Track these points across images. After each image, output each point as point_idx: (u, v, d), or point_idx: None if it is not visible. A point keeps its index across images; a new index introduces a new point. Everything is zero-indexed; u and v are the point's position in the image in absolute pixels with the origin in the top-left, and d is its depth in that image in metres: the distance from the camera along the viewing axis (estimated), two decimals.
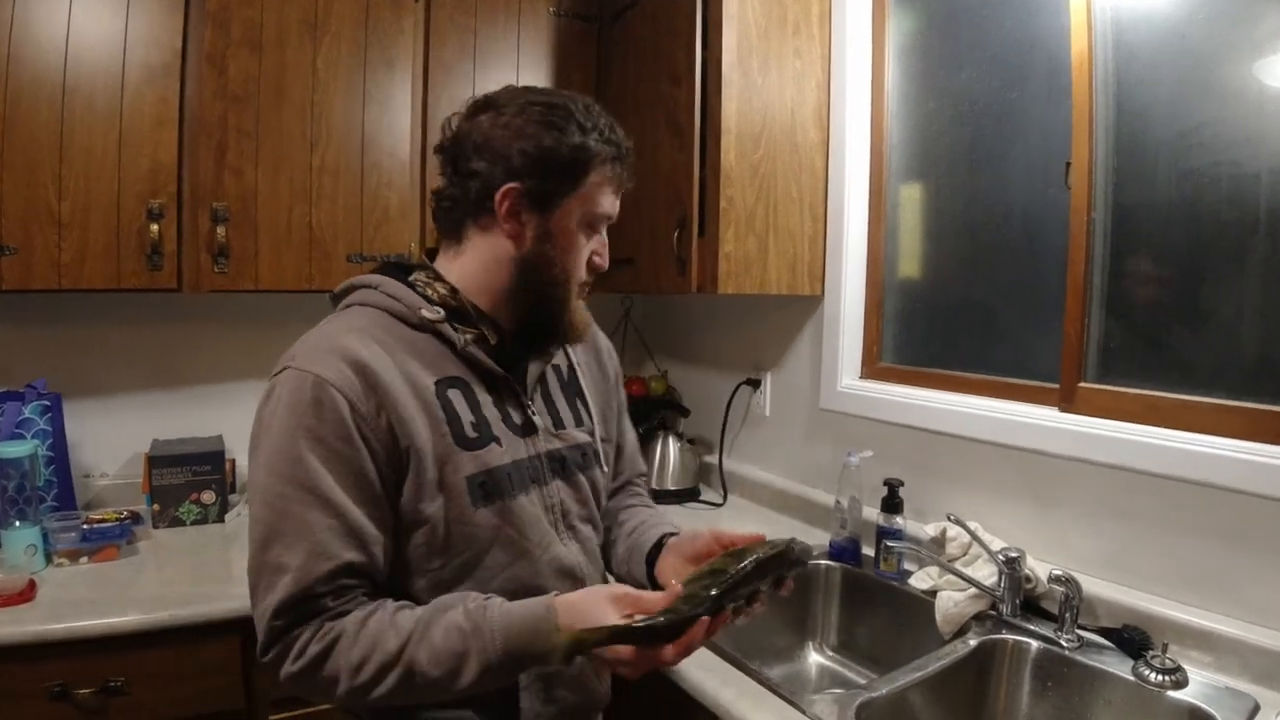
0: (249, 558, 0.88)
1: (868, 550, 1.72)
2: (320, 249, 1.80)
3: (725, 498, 2.15)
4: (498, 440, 0.97)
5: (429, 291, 0.98)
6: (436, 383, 0.94)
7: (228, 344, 2.08)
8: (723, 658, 1.29)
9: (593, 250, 1.02)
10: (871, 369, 1.90)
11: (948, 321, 1.79)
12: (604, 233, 1.04)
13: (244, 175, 1.72)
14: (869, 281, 1.89)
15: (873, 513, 1.75)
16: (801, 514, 1.98)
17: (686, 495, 2.17)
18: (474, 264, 0.99)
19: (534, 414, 1.03)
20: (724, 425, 2.20)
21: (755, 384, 2.14)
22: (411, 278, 1.00)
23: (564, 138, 0.94)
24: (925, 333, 1.83)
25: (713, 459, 2.27)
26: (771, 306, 2.10)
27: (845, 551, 1.71)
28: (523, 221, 0.96)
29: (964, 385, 1.70)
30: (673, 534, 1.13)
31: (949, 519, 1.50)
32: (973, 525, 1.46)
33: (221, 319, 2.06)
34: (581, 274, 1.02)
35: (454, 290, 0.99)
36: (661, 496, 2.14)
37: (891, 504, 1.64)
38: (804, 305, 1.98)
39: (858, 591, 1.67)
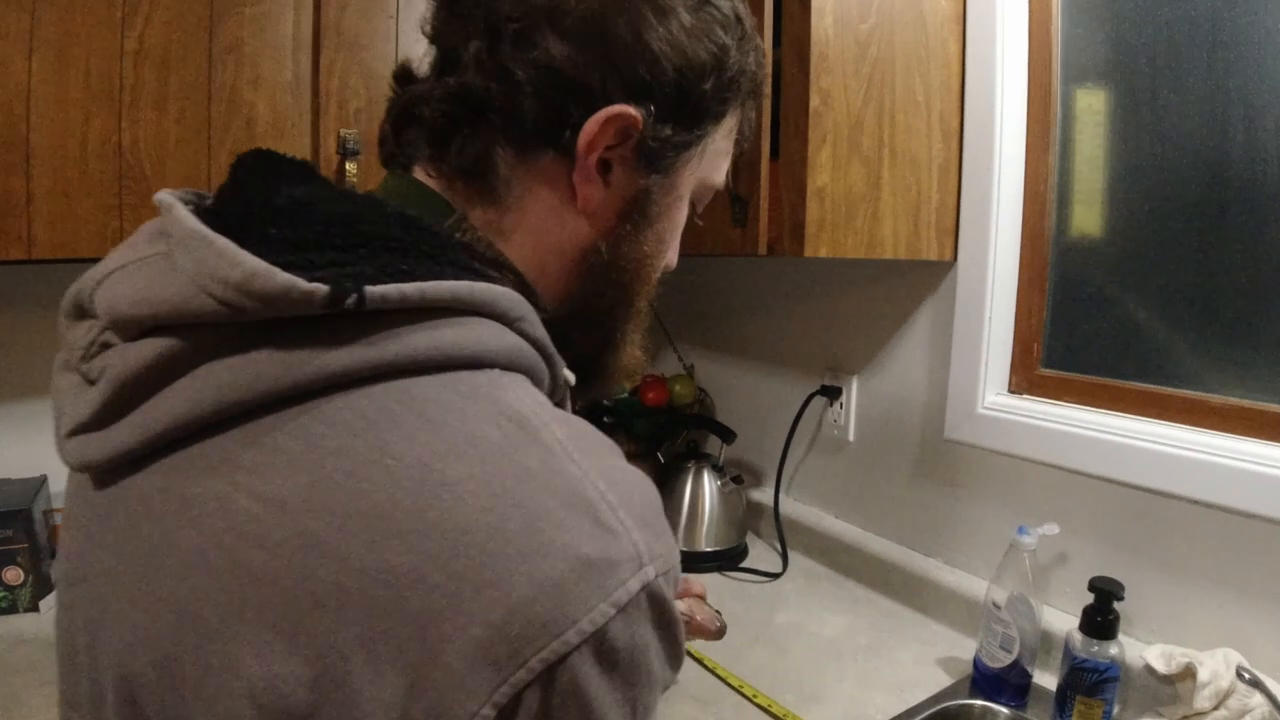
0: None
1: (1041, 679, 1.05)
2: (137, 187, 1.10)
3: (785, 563, 1.46)
4: None
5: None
6: None
7: (42, 339, 1.38)
8: None
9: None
10: (1029, 378, 1.20)
11: (1156, 308, 1.08)
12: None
13: (8, 67, 1.02)
14: (1027, 241, 1.18)
15: (1055, 617, 1.08)
16: (909, 598, 1.30)
17: (730, 558, 1.48)
18: (524, 244, 0.55)
19: None
20: (784, 452, 1.50)
21: (833, 394, 1.44)
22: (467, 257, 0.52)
23: (727, 51, 0.55)
24: (1116, 324, 1.13)
25: (759, 497, 1.58)
26: (863, 274, 1.39)
27: (1003, 685, 1.03)
28: (613, 181, 0.55)
29: (1195, 412, 1.01)
30: None
31: (1204, 659, 0.82)
32: (1263, 679, 0.79)
33: (34, 302, 1.36)
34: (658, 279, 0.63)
35: (542, 308, 0.54)
36: (694, 562, 1.46)
37: (1100, 623, 0.95)
38: (920, 276, 1.28)
39: None
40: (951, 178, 1.16)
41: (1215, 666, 0.91)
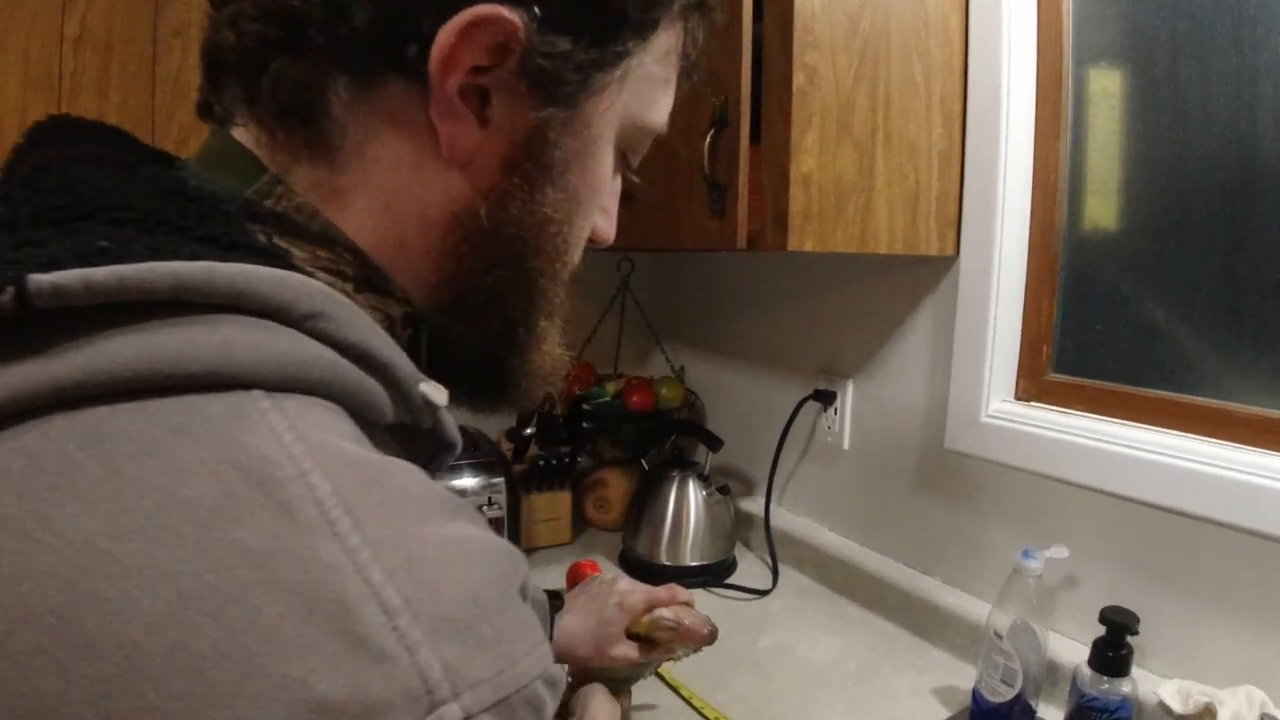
0: None
1: (1047, 713, 0.96)
2: None
3: (775, 578, 1.37)
4: None
5: (361, 303, 0.39)
6: None
7: None
8: None
9: (601, 203, 0.49)
10: (1037, 384, 1.10)
11: (1177, 308, 0.99)
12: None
13: None
14: (1036, 235, 1.09)
15: (1064, 646, 0.99)
16: (907, 620, 1.20)
17: (716, 572, 1.39)
18: (368, 212, 0.40)
19: None
20: (775, 460, 1.41)
21: (826, 399, 1.35)
22: (269, 241, 0.38)
23: None
24: (1133, 325, 1.03)
25: (750, 508, 1.49)
26: (859, 270, 1.30)
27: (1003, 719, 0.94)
28: (492, 117, 0.40)
29: (1219, 423, 0.91)
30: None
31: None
32: None
33: None
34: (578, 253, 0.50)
35: (396, 296, 0.42)
36: (678, 576, 1.36)
37: (1112, 659, 0.86)
38: (922, 271, 1.19)
39: None
40: (953, 166, 1.07)
41: (1237, 707, 0.81)
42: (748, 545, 1.51)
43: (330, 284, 0.36)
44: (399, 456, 0.34)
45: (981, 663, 0.97)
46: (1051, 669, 0.98)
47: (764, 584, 1.35)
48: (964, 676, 1.06)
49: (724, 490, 1.40)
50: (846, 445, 1.34)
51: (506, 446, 1.49)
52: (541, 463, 1.44)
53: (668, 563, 1.37)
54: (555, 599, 0.89)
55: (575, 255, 0.48)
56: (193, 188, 0.35)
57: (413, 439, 0.40)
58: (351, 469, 0.30)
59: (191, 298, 0.29)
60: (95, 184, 0.32)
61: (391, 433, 0.38)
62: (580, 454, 1.52)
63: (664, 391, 1.59)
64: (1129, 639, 0.85)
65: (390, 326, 0.42)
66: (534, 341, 0.48)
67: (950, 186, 1.07)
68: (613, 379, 1.67)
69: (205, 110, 0.42)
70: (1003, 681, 0.93)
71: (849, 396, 1.32)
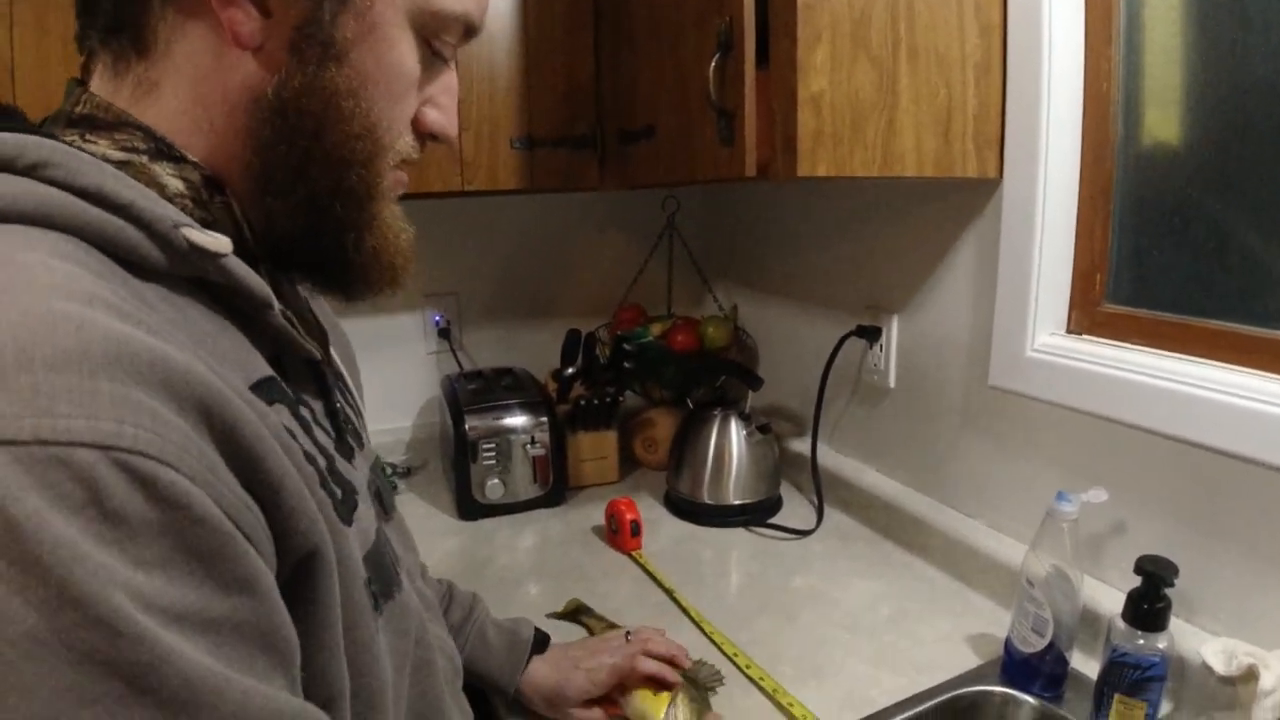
0: None
1: (1083, 665, 0.91)
2: None
3: (820, 518, 1.34)
4: (355, 489, 0.53)
5: (151, 174, 0.45)
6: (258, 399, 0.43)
7: None
8: None
9: (426, 95, 0.54)
10: (1090, 315, 1.02)
11: (1245, 232, 0.88)
12: (454, 63, 0.56)
13: None
14: (1088, 152, 0.99)
15: (1104, 595, 0.93)
16: (948, 565, 1.15)
17: (759, 512, 1.37)
18: (178, 99, 0.47)
19: (344, 420, 0.58)
20: (819, 398, 1.36)
21: (871, 335, 1.29)
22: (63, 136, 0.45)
23: None
24: (1195, 251, 0.93)
25: (800, 448, 1.45)
26: (903, 199, 1.23)
27: (1035, 673, 0.89)
28: (273, 6, 0.46)
29: None
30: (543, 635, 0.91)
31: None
32: None
33: None
34: (402, 140, 0.53)
35: (189, 162, 0.47)
36: (720, 515, 1.35)
37: (1147, 612, 0.79)
38: (964, 198, 1.11)
39: None
40: (992, 79, 0.98)
41: None
42: (796, 486, 1.47)
43: (128, 159, 0.44)
44: (193, 309, 0.43)
45: (1014, 611, 0.92)
46: (1090, 619, 0.92)
47: (807, 524, 1.32)
48: (1000, 623, 1.01)
49: (764, 429, 1.37)
50: (892, 383, 1.28)
51: (552, 387, 1.49)
52: (583, 403, 1.44)
53: (710, 501, 1.36)
54: (540, 645, 0.91)
55: (388, 138, 0.51)
56: (12, 113, 0.44)
57: (232, 302, 0.46)
58: (4, 257, 0.35)
59: None
60: None
61: (202, 289, 0.44)
62: (625, 394, 1.50)
63: (709, 331, 1.55)
64: (1167, 592, 0.79)
65: (192, 191, 0.46)
66: (360, 221, 0.51)
67: (990, 102, 0.98)
68: (662, 320, 1.64)
69: (80, 44, 0.49)
70: (1034, 630, 0.89)
71: (894, 332, 1.26)
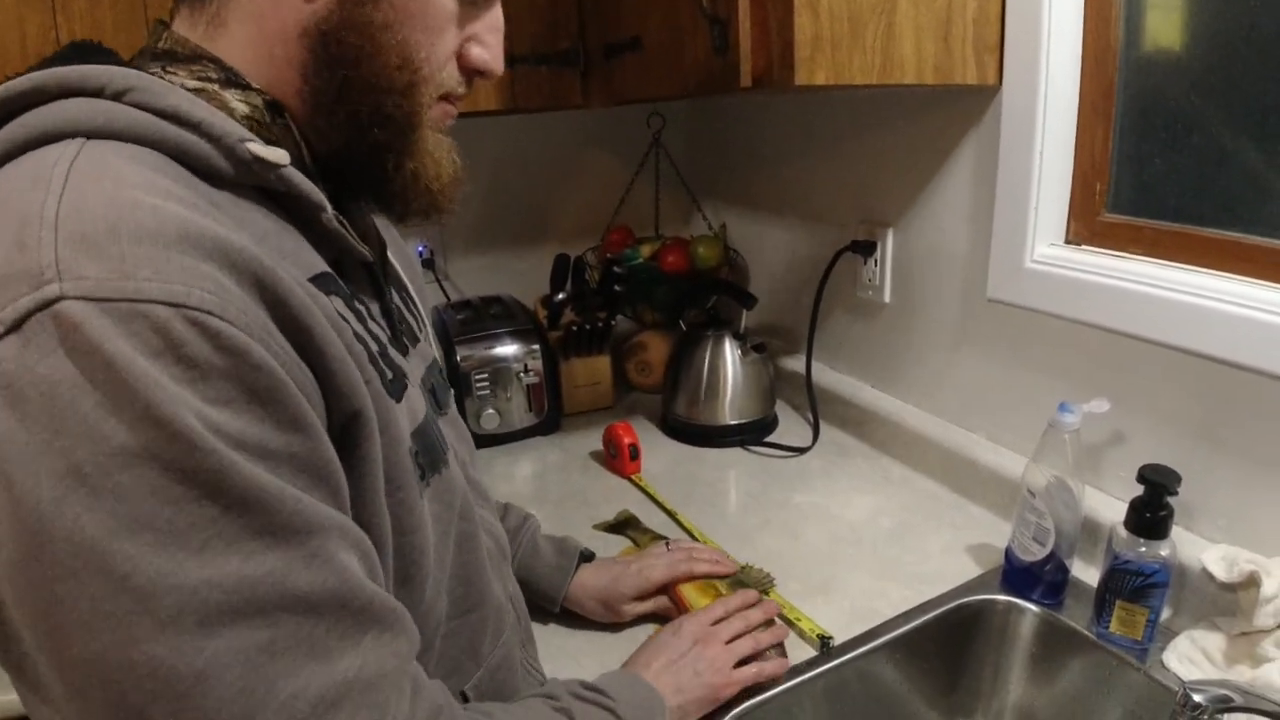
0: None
1: (1082, 573, 0.92)
2: None
3: (816, 436, 1.34)
4: (406, 375, 0.59)
5: (222, 100, 0.51)
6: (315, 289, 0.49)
7: None
8: None
9: (470, 33, 0.57)
10: (1090, 225, 1.00)
11: (1250, 137, 0.86)
12: (497, 2, 0.59)
13: None
14: (1089, 57, 0.96)
15: (1104, 504, 0.94)
16: (947, 478, 1.17)
17: (755, 431, 1.37)
18: (243, 35, 0.52)
19: (399, 320, 0.64)
20: (814, 316, 1.35)
21: (866, 250, 1.27)
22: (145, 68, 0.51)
23: None
24: (1199, 158, 0.91)
25: (795, 366, 1.44)
26: (899, 109, 1.19)
27: (1036, 581, 0.91)
28: None
29: None
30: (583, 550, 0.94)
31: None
32: None
33: None
34: (445, 74, 0.57)
35: (254, 89, 0.53)
36: (717, 435, 1.35)
37: (1149, 520, 0.80)
38: (962, 107, 1.07)
39: (1057, 661, 0.89)
40: None
41: None
42: (791, 404, 1.48)
43: (202, 87, 0.50)
44: (257, 211, 0.49)
45: (1015, 521, 0.93)
46: (1091, 529, 0.94)
47: (804, 442, 1.33)
48: (1002, 535, 1.02)
49: (759, 348, 1.36)
50: (888, 299, 1.27)
51: (542, 314, 1.47)
52: (575, 328, 1.42)
53: (706, 422, 1.36)
54: (587, 557, 0.95)
55: (426, 69, 0.54)
56: (106, 51, 0.51)
57: (292, 208, 0.51)
58: (97, 161, 0.42)
59: (43, 92, 0.46)
60: (60, 57, 0.49)
61: (266, 197, 0.50)
62: (617, 318, 1.49)
63: (700, 251, 1.53)
64: (1169, 500, 0.80)
65: (258, 115, 0.52)
66: (398, 145, 0.55)
67: (990, 6, 0.94)
68: (651, 241, 1.61)
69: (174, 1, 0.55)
70: (1034, 540, 0.90)
71: (889, 246, 1.24)
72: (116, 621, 0.36)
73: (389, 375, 0.55)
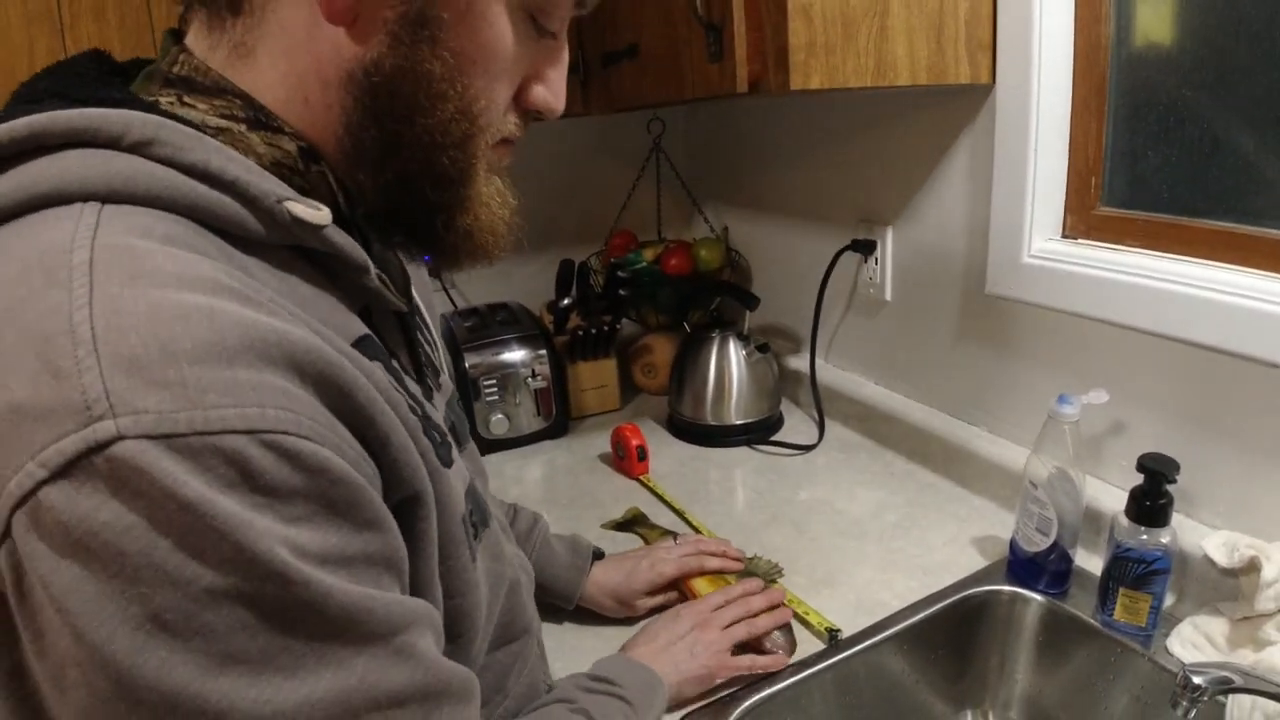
0: None
1: (1085, 562, 0.94)
2: None
3: (821, 433, 1.36)
4: (447, 433, 0.57)
5: (247, 144, 0.46)
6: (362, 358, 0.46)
7: None
8: None
9: (534, 72, 0.52)
10: (1085, 219, 1.02)
11: (1242, 130, 0.87)
12: (563, 35, 0.53)
13: None
14: (1081, 53, 0.97)
15: (1106, 494, 0.96)
16: (950, 471, 1.18)
17: (761, 430, 1.38)
18: (274, 69, 0.46)
19: (426, 363, 0.61)
20: (816, 315, 1.37)
21: (866, 249, 1.29)
22: (158, 102, 0.46)
23: None
24: (1191, 151, 0.92)
25: (798, 365, 1.46)
26: (894, 109, 1.21)
27: (1040, 571, 0.92)
28: None
29: None
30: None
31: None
32: None
33: None
34: (502, 119, 0.52)
35: (285, 133, 0.47)
36: (723, 435, 1.37)
37: (1149, 508, 0.81)
38: (956, 105, 1.09)
39: (1063, 649, 0.90)
40: None
41: None
42: (796, 402, 1.49)
43: (226, 126, 0.44)
44: (292, 274, 0.44)
45: (1018, 512, 0.94)
46: (1093, 518, 0.95)
47: (809, 439, 1.34)
48: (1005, 526, 1.04)
49: (764, 348, 1.38)
50: (889, 296, 1.29)
51: (548, 319, 1.49)
52: (582, 333, 1.44)
53: (712, 422, 1.38)
54: (598, 555, 0.96)
55: (484, 119, 0.49)
56: (106, 74, 0.45)
57: (328, 264, 0.47)
58: (122, 250, 0.36)
59: (43, 140, 0.38)
60: (45, 84, 0.43)
61: (299, 254, 0.46)
62: (622, 321, 1.50)
63: (703, 253, 1.55)
64: (1169, 488, 0.81)
65: (289, 160, 0.47)
66: (451, 203, 0.50)
67: (981, 6, 0.96)
68: (654, 245, 1.63)
69: (185, 8, 0.48)
70: (1038, 530, 0.91)
71: (889, 245, 1.26)
72: None
73: (438, 440, 0.53)
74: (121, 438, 0.32)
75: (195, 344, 0.35)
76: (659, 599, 0.93)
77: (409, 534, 0.46)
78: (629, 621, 0.92)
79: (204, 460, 0.34)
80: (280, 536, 0.36)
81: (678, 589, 0.94)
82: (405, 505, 0.46)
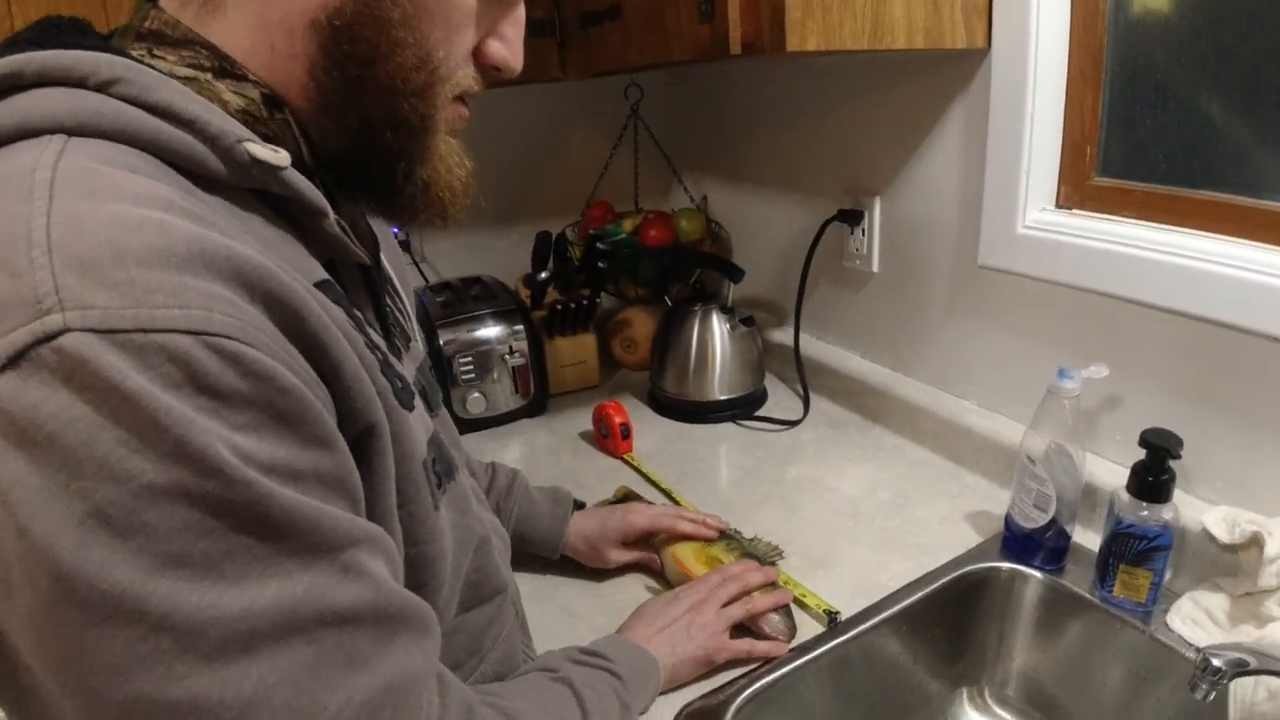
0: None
1: (1081, 538, 0.93)
2: None
3: (806, 408, 1.34)
4: (410, 383, 0.58)
5: (214, 91, 0.47)
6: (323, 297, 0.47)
7: None
8: None
9: (491, 28, 0.54)
10: (1080, 189, 1.00)
11: (1239, 100, 0.85)
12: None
13: None
14: (1078, 20, 0.94)
15: (1104, 469, 0.94)
16: (941, 446, 1.16)
17: (745, 405, 1.36)
18: (242, 21, 0.48)
19: (393, 323, 0.62)
20: (801, 287, 1.34)
21: (853, 219, 1.26)
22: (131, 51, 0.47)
23: None
24: (1189, 121, 0.90)
25: (782, 339, 1.43)
26: (883, 74, 1.17)
27: (1037, 547, 0.91)
28: None
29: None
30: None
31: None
32: None
33: None
34: (462, 73, 0.53)
35: (250, 80, 0.48)
36: (707, 411, 1.34)
37: (1151, 484, 0.80)
38: (951, 70, 1.06)
39: (1061, 626, 0.89)
40: None
41: None
42: (780, 377, 1.47)
43: (193, 75, 0.46)
44: (255, 216, 0.46)
45: (1015, 488, 0.93)
46: (1092, 494, 0.94)
47: (794, 414, 1.32)
48: (999, 502, 1.02)
49: (748, 322, 1.35)
50: (876, 268, 1.26)
51: (524, 293, 1.45)
52: (559, 307, 1.40)
53: (696, 398, 1.35)
54: (578, 504, 1.00)
55: (444, 70, 0.51)
56: (83, 27, 0.47)
57: (289, 211, 0.48)
58: (82, 169, 0.38)
59: (17, 80, 0.41)
60: (27, 36, 0.45)
61: (261, 200, 0.47)
62: (601, 295, 1.46)
63: (683, 224, 1.51)
64: (1171, 464, 0.80)
65: (253, 108, 0.48)
66: (412, 151, 0.52)
67: None
68: (632, 216, 1.59)
69: None
70: (1035, 506, 0.90)
71: (876, 215, 1.23)
72: (156, 662, 0.35)
73: (398, 384, 0.53)
74: (68, 330, 0.34)
75: (146, 249, 0.36)
76: (630, 555, 0.95)
77: (364, 467, 0.47)
78: (607, 579, 0.94)
79: (148, 358, 0.35)
80: (224, 438, 0.36)
81: (653, 548, 0.95)
82: (361, 439, 0.47)
